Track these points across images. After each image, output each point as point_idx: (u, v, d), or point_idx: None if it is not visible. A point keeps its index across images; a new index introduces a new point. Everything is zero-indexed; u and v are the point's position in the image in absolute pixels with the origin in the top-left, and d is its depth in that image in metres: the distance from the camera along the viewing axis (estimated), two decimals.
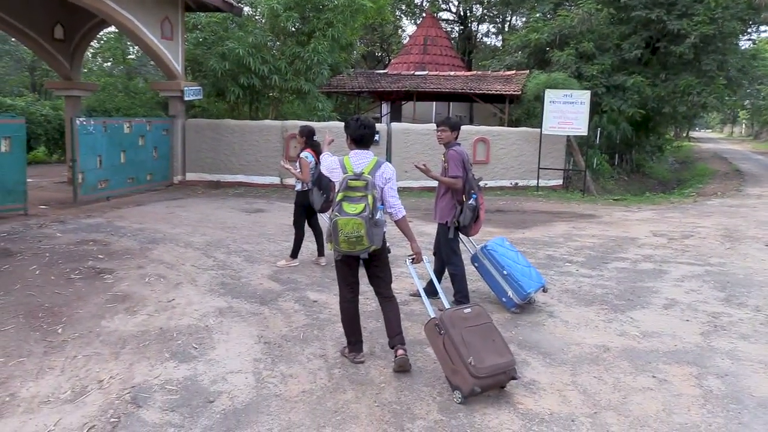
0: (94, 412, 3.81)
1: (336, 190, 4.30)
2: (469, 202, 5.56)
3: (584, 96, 15.34)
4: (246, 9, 16.80)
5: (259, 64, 14.56)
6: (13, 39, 25.80)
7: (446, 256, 5.80)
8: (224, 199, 12.91)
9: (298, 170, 7.36)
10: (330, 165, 4.46)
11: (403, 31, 34.55)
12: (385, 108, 25.11)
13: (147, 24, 13.38)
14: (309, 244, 7.87)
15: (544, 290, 6.03)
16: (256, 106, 16.83)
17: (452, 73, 20.55)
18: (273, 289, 6.55)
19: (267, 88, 15.66)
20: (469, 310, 4.23)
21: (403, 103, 24.03)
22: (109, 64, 30.36)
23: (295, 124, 14.16)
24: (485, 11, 27.84)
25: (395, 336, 4.42)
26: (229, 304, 6.01)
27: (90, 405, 3.89)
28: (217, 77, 14.99)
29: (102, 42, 32.32)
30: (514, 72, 19.55)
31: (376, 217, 4.17)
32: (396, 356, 4.36)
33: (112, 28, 23.79)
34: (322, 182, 7.14)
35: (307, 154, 7.30)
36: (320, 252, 7.67)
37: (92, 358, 4.63)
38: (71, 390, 4.10)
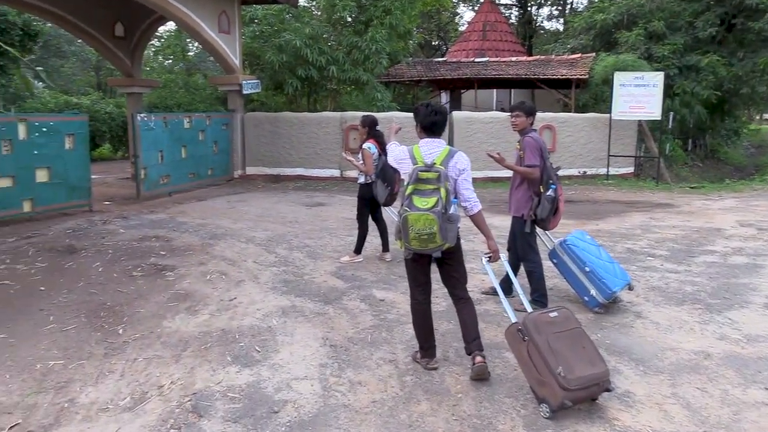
0: (153, 421, 3.59)
1: (405, 183, 3.94)
2: (548, 194, 5.11)
3: (657, 78, 14.48)
4: (302, 0, 16.60)
5: (316, 55, 14.36)
6: (79, 40, 26.55)
7: (522, 252, 5.37)
8: (284, 193, 12.77)
9: (361, 162, 7.02)
10: (398, 155, 4.11)
11: (461, 17, 33.79)
12: (445, 97, 24.59)
13: (204, 18, 13.34)
14: (373, 238, 7.54)
15: (630, 288, 5.52)
16: (314, 98, 16.67)
17: (513, 58, 19.88)
18: (337, 286, 6.26)
19: (325, 80, 15.45)
20: (555, 313, 3.80)
21: (462, 91, 23.47)
22: (170, 61, 30.90)
23: (354, 116, 13.90)
24: None
25: (473, 341, 4.04)
26: (293, 303, 5.75)
27: (149, 414, 3.68)
28: (275, 70, 14.87)
29: (163, 40, 33.08)
30: (579, 55, 18.71)
31: (450, 212, 3.80)
32: (474, 363, 3.98)
33: (172, 26, 24.15)
34: (386, 174, 6.84)
35: (369, 145, 6.95)
36: (385, 247, 7.33)
37: (153, 361, 4.44)
38: (131, 396, 3.90)
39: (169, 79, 24.06)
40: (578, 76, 17.09)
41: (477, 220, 4.05)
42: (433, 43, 34.89)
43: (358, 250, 7.23)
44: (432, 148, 3.98)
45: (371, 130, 7.04)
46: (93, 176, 15.37)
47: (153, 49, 32.34)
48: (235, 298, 5.89)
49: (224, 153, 14.43)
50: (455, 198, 3.94)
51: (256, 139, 14.75)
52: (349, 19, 14.85)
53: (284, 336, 4.90)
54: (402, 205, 3.87)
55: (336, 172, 14.30)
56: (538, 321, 3.71)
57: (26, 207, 9.65)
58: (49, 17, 14.05)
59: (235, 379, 4.14)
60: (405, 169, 4.02)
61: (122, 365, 4.38)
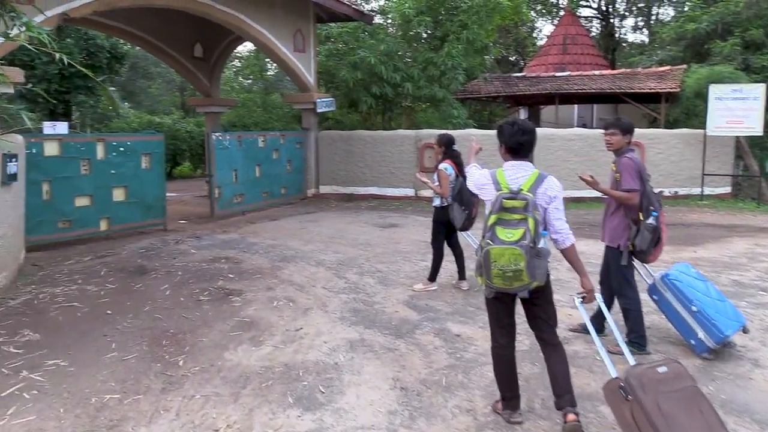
0: None
1: (487, 212, 3.47)
2: (648, 222, 4.51)
3: (757, 90, 13.35)
4: (377, 17, 16.42)
5: (391, 72, 14.09)
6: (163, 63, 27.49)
7: (618, 287, 4.76)
8: (357, 213, 12.48)
9: (437, 183, 6.59)
10: (479, 180, 3.65)
11: (539, 31, 32.87)
12: (523, 113, 23.85)
13: (280, 37, 13.33)
14: (448, 263, 7.07)
15: (744, 330, 4.79)
16: (389, 115, 16.40)
17: (596, 72, 18.97)
18: (409, 318, 5.82)
19: (399, 97, 15.16)
20: (664, 368, 3.21)
21: (542, 107, 22.68)
22: (249, 81, 31.62)
23: (430, 133, 13.51)
24: (631, 4, 25.63)
25: (564, 395, 3.49)
26: (361, 335, 5.35)
27: None
28: (349, 88, 14.70)
29: (243, 61, 33.91)
30: (668, 68, 17.63)
31: (539, 246, 3.30)
32: (565, 421, 3.44)
33: (251, 46, 24.61)
34: (463, 197, 6.38)
35: (446, 166, 6.51)
36: (461, 275, 6.83)
37: (210, 399, 4.13)
38: None
39: (248, 99, 24.50)
40: (668, 90, 16.05)
41: (569, 254, 3.53)
42: (510, 58, 34.11)
43: (432, 277, 6.77)
44: (518, 172, 3.50)
45: (448, 149, 6.60)
46: (171, 194, 15.68)
47: (234, 70, 33.30)
48: (301, 328, 5.56)
49: (298, 172, 14.33)
50: (545, 230, 3.44)
51: (329, 157, 14.59)
52: (425, 35, 14.51)
53: (351, 375, 4.50)
54: (484, 237, 3.40)
55: (410, 192, 13.92)
56: (645, 378, 3.14)
57: (103, 226, 9.76)
58: (133, 39, 14.45)
59: (296, 425, 3.76)
60: (487, 196, 3.56)
61: (179, 402, 4.09)
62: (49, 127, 13.96)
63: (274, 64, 19.81)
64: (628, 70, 18.78)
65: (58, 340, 5.31)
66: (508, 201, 3.34)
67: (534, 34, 35.54)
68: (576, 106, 22.83)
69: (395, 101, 15.62)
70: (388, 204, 13.64)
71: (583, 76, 18.29)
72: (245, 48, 32.96)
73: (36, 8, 7.54)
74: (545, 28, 38.52)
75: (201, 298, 6.53)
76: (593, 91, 17.21)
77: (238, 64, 33.33)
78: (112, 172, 9.82)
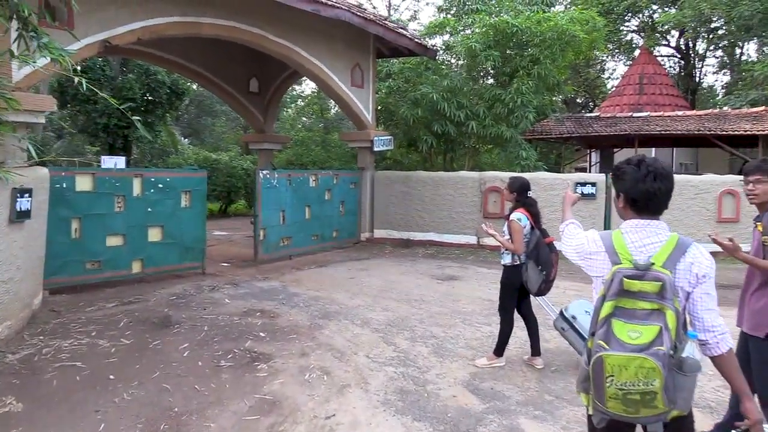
0: None
1: (597, 296, 2.30)
2: None
3: None
4: (441, 53, 15.52)
5: (454, 109, 13.09)
6: None
7: (765, 388, 3.43)
8: (413, 261, 11.35)
9: (507, 237, 5.38)
10: (583, 246, 2.49)
11: (612, 72, 31.31)
12: (594, 157, 22.43)
13: (336, 71, 12.56)
14: (518, 329, 5.81)
15: None
16: (451, 156, 15.34)
17: (680, 113, 17.43)
18: (470, 407, 4.60)
19: (463, 136, 14.11)
20: None
21: (615, 150, 21.18)
22: (312, 119, 31.42)
23: (496, 176, 12.35)
24: (714, 41, 23.90)
25: None
26: (408, 430, 4.17)
27: None
28: (409, 126, 13.77)
29: (305, 99, 33.83)
30: (764, 108, 15.96)
31: (683, 355, 2.11)
32: None
33: (312, 85, 24.20)
34: (540, 255, 5.16)
35: (519, 216, 5.30)
36: (535, 351, 5.54)
37: None
38: None
39: (307, 137, 24.04)
40: (767, 132, 14.41)
41: (725, 364, 2.30)
42: (578, 100, 32.72)
43: (499, 351, 5.51)
44: (648, 237, 2.33)
45: (521, 195, 5.40)
46: (221, 233, 15.01)
47: (297, 108, 33.20)
48: (333, 414, 4.43)
49: (351, 214, 13.38)
50: (692, 331, 2.24)
51: (385, 199, 13.59)
52: (492, 71, 13.48)
53: None
54: (593, 334, 2.22)
55: (472, 239, 12.71)
56: None
57: (135, 268, 8.98)
58: (187, 73, 14.01)
59: None
60: (596, 271, 2.40)
61: None
62: (107, 162, 13.82)
63: (337, 104, 19.14)
64: (716, 110, 17.17)
65: (40, 414, 4.37)
66: (633, 281, 2.16)
67: (604, 75, 34.12)
68: (653, 149, 21.23)
69: (458, 141, 14.58)
70: (447, 252, 12.45)
71: (664, 117, 16.79)
72: (308, 86, 32.97)
73: (71, 34, 6.92)
74: (618, 68, 37.01)
75: (222, 363, 5.50)
76: (679, 132, 15.68)
77: (301, 104, 33.27)
78: (149, 210, 9.08)
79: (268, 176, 10.96)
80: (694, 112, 18.01)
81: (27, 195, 6.22)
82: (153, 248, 9.15)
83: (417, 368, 5.45)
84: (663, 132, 15.67)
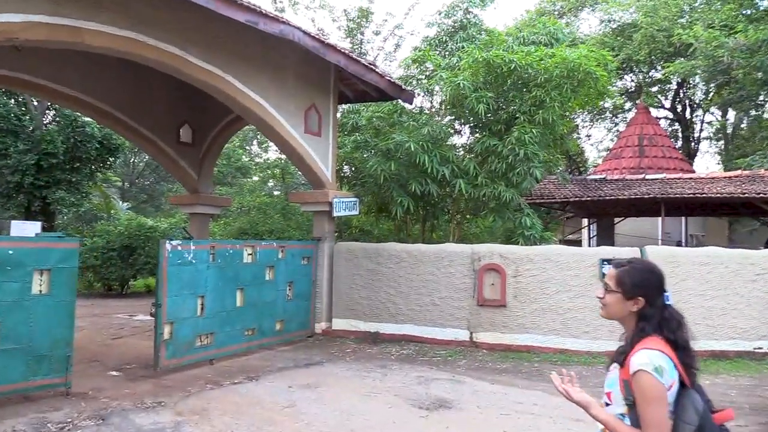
0: None
1: None
2: None
3: None
4: (419, 99, 12.77)
5: (437, 164, 10.20)
6: None
7: None
8: (383, 369, 8.07)
9: (621, 410, 2.16)
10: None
11: (613, 131, 28.66)
12: (590, 229, 19.75)
13: (285, 112, 9.67)
14: None
15: None
16: (432, 223, 12.32)
17: (702, 174, 14.82)
18: None
19: (446, 198, 11.17)
20: None
21: (618, 220, 18.50)
22: (277, 183, 28.65)
23: (492, 250, 9.35)
24: (717, 100, 21.72)
25: None
26: None
27: None
28: (379, 185, 10.81)
29: (269, 162, 31.01)
30: None
31: None
32: None
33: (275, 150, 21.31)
34: None
35: (658, 362, 2.07)
36: None
37: None
38: None
39: (265, 203, 21.06)
40: None
41: None
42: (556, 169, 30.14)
43: None
44: None
45: (654, 303, 2.21)
46: (145, 318, 11.71)
47: (259, 176, 30.27)
48: None
49: (302, 298, 10.16)
50: None
51: (348, 279, 10.44)
52: (484, 118, 10.66)
53: None
54: None
55: (462, 334, 9.53)
56: None
57: None
58: (98, 116, 10.95)
59: None
60: None
61: None
62: (17, 228, 11.32)
63: (285, 155, 15.85)
64: (747, 171, 14.58)
65: None
66: None
67: (579, 138, 31.57)
68: (659, 219, 18.61)
69: (440, 205, 11.62)
70: (429, 352, 9.21)
71: (688, 180, 14.11)
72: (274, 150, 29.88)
73: None
74: (595, 133, 34.80)
75: None
76: (717, 196, 12.90)
77: (268, 171, 30.32)
78: None
79: (179, 249, 7.76)
80: (721, 173, 15.44)
81: None
82: None
83: None
84: (696, 195, 12.92)
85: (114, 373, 7.70)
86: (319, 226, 10.78)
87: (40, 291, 6.36)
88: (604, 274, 9.09)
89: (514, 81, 10.71)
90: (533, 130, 9.95)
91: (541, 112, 10.16)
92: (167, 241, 7.62)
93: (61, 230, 19.50)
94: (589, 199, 13.95)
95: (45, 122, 18.12)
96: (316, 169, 10.38)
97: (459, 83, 10.23)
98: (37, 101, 17.72)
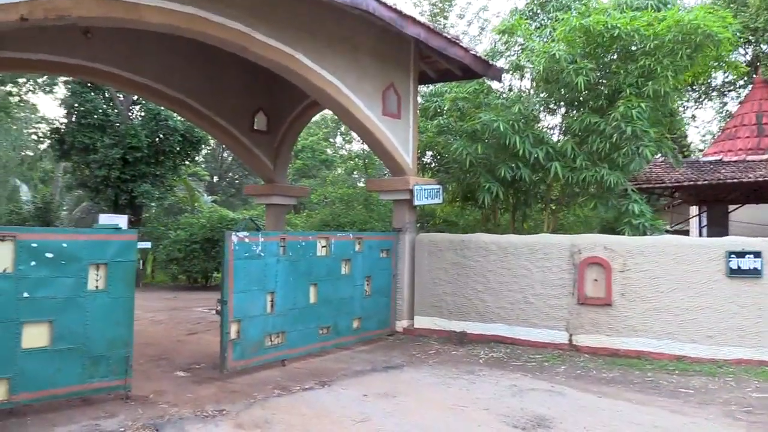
0: None
1: None
2: None
3: None
4: (508, 75, 11.65)
5: (529, 145, 9.12)
6: None
7: None
8: (470, 376, 7.15)
9: None
10: None
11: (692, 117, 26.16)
12: (694, 212, 17.96)
13: (361, 92, 8.91)
14: None
15: None
16: (523, 212, 11.23)
17: None
18: None
19: (541, 184, 10.07)
20: None
21: (732, 207, 16.61)
22: (358, 174, 28.24)
23: (595, 241, 8.26)
24: None
25: None
26: None
27: None
28: (465, 170, 9.86)
29: (352, 154, 30.62)
30: None
31: None
32: None
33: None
34: None
35: None
36: None
37: None
38: None
39: (347, 194, 20.46)
40: None
41: None
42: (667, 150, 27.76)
43: None
44: None
45: None
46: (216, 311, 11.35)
47: (344, 168, 29.86)
48: None
49: (381, 294, 9.40)
50: None
51: (431, 273, 9.58)
52: (584, 91, 9.47)
53: None
54: None
55: (560, 336, 8.46)
56: None
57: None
58: (164, 101, 10.60)
59: None
60: None
61: None
62: (104, 221, 11.43)
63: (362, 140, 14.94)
64: None
65: None
66: None
67: (684, 119, 28.92)
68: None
69: (534, 191, 10.52)
70: (523, 355, 8.20)
71: None
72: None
73: None
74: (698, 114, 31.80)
75: None
76: None
77: (351, 163, 29.88)
78: (25, 295, 5.40)
79: (246, 241, 7.16)
80: None
81: None
82: (32, 360, 5.46)
83: None
84: None
85: (180, 373, 7.21)
86: (400, 216, 9.97)
87: (96, 287, 5.90)
88: (731, 270, 7.82)
89: (618, 50, 9.44)
90: (641, 105, 8.67)
91: (650, 83, 8.86)
92: (233, 233, 7.02)
93: (147, 224, 19.76)
94: (706, 182, 12.35)
95: (131, 117, 18.28)
96: (396, 155, 9.57)
97: (554, 54, 9.09)
98: (123, 96, 17.91)
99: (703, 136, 31.76)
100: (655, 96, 8.89)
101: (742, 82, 23.38)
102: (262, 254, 7.34)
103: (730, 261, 7.54)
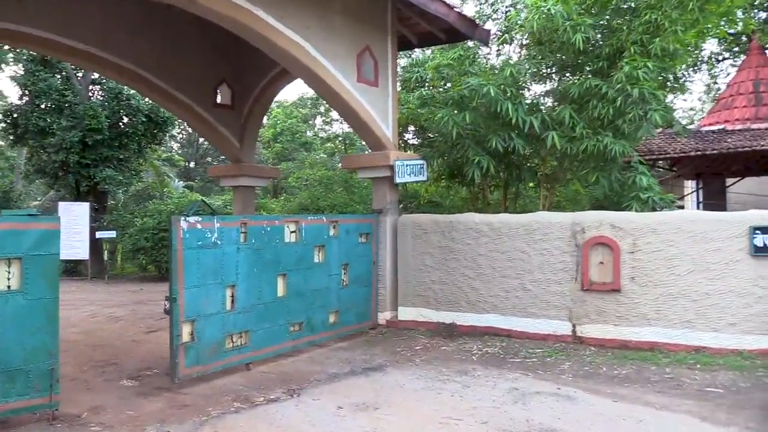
0: None
1: None
2: None
3: None
4: (496, 39, 10.62)
5: (522, 113, 8.11)
6: None
7: None
8: (463, 379, 6.18)
9: None
10: None
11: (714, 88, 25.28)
12: (691, 186, 17.18)
13: (332, 56, 7.84)
14: None
15: None
16: (515, 188, 10.24)
17: None
18: None
19: (535, 156, 9.09)
20: None
21: (733, 181, 15.80)
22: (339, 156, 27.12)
23: (601, 219, 7.28)
24: None
25: None
26: None
27: None
28: (451, 143, 8.85)
29: (330, 135, 29.53)
30: None
31: None
32: None
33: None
34: None
35: None
36: None
37: None
38: None
39: (327, 176, 19.42)
40: None
41: None
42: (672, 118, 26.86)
43: None
44: None
45: None
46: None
47: (326, 151, 28.81)
48: None
49: (361, 284, 8.40)
50: None
51: (416, 259, 8.60)
52: (582, 54, 8.47)
53: None
54: None
55: (562, 326, 7.52)
56: None
57: None
58: (109, 72, 9.41)
59: None
60: None
61: None
62: (64, 210, 11.27)
63: (336, 110, 13.64)
64: None
65: None
66: None
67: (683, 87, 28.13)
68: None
69: (528, 165, 9.54)
70: (521, 350, 7.25)
71: None
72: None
73: None
74: (695, 81, 30.90)
75: None
76: None
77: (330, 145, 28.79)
78: None
79: (199, 227, 6.11)
80: None
81: None
82: None
83: None
84: None
85: (127, 382, 6.20)
86: (380, 196, 8.95)
87: (8, 287, 4.83)
88: (756, 248, 6.94)
89: (619, 5, 8.44)
90: (648, 64, 7.68)
91: (657, 40, 7.87)
92: (182, 218, 5.97)
93: (113, 211, 18.56)
94: (715, 152, 11.43)
95: (90, 97, 17.00)
96: (374, 126, 8.53)
97: (549, 9, 8.07)
98: (81, 74, 16.63)
99: (691, 108, 31.07)
100: (663, 54, 7.90)
101: (728, 54, 22.60)
102: (219, 242, 6.30)
103: (754, 238, 6.62)
